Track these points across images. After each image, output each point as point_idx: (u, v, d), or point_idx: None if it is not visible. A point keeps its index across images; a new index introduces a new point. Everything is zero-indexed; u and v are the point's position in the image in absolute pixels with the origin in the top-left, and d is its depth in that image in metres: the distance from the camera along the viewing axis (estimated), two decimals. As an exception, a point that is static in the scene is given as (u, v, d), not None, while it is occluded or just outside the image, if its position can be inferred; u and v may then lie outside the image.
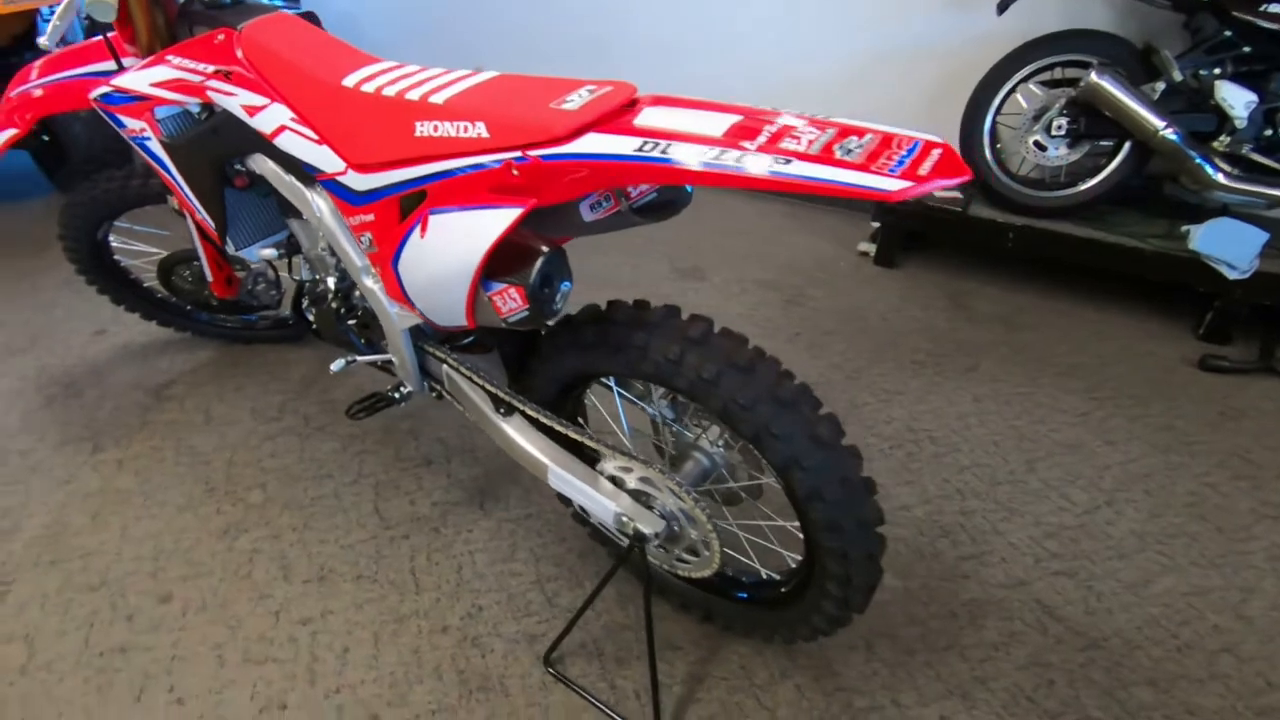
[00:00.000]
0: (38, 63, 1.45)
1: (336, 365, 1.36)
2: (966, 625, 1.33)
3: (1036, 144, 2.34)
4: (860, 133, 0.71)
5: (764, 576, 1.21)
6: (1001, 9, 2.32)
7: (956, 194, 2.55)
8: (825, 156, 0.67)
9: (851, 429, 1.83)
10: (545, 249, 0.88)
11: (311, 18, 3.86)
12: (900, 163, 0.65)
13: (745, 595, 1.20)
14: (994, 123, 2.42)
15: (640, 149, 0.75)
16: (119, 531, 1.46)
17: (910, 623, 1.34)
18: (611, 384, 1.17)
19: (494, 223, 0.86)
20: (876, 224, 2.72)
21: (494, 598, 1.35)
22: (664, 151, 0.73)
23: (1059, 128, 2.27)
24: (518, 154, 0.82)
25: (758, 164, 0.69)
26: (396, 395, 1.35)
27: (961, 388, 2.02)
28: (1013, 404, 1.96)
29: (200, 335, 2.05)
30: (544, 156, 0.81)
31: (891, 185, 0.63)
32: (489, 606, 1.33)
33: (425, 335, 1.24)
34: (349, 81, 1.00)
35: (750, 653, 1.26)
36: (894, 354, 2.17)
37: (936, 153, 0.67)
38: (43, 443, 1.69)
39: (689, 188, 1.00)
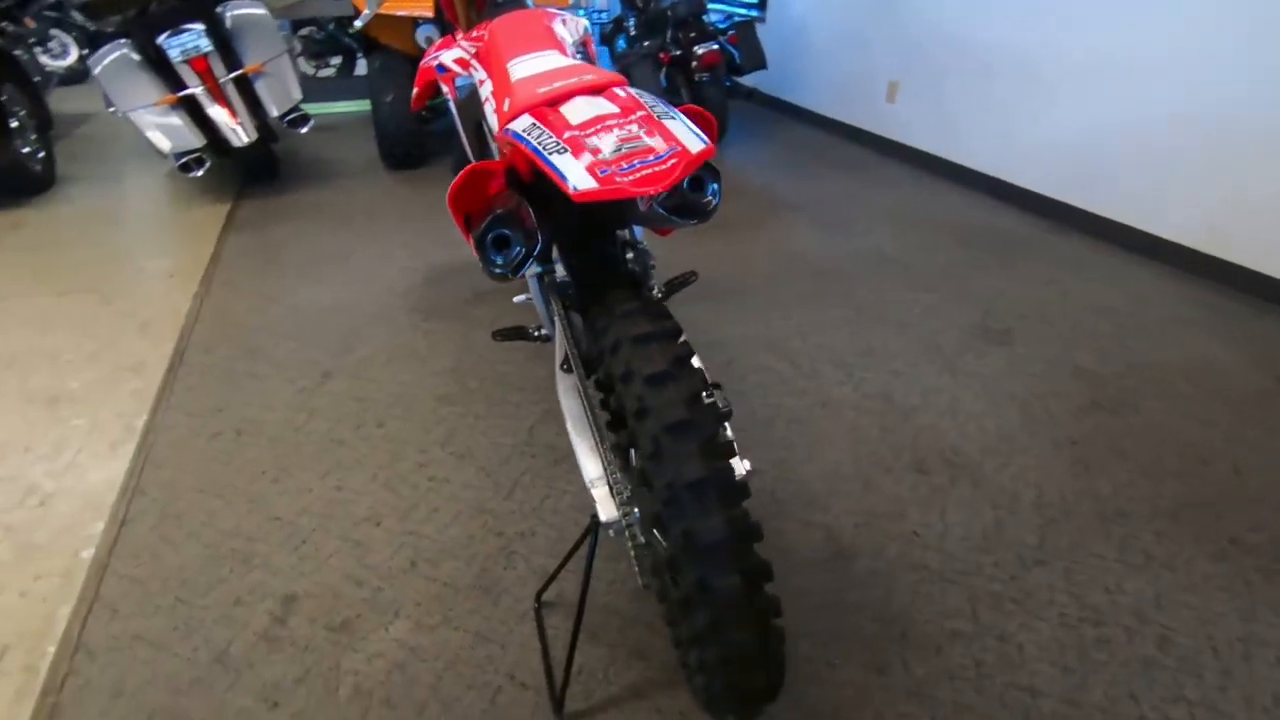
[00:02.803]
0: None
1: (518, 299, 1.65)
2: None
3: None
4: (653, 133, 0.62)
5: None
6: None
7: None
8: (593, 150, 0.62)
9: (1043, 574, 1.39)
10: (499, 211, 0.96)
11: (748, 27, 4.24)
12: (631, 166, 0.57)
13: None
14: None
15: (521, 128, 0.79)
16: (393, 375, 2.06)
17: (908, 805, 1.03)
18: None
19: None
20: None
21: (548, 532, 1.50)
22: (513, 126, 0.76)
23: None
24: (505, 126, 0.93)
25: (547, 146, 0.67)
26: (536, 334, 1.57)
27: (1292, 606, 1.31)
28: (1378, 669, 1.20)
29: (517, 264, 2.62)
30: (503, 129, 0.90)
31: (582, 183, 0.56)
32: (540, 535, 1.49)
33: (555, 286, 1.43)
34: (509, 64, 1.22)
35: (703, 708, 1.15)
36: (1205, 519, 1.51)
37: (672, 163, 0.55)
38: (401, 304, 2.45)
39: (711, 194, 0.94)
